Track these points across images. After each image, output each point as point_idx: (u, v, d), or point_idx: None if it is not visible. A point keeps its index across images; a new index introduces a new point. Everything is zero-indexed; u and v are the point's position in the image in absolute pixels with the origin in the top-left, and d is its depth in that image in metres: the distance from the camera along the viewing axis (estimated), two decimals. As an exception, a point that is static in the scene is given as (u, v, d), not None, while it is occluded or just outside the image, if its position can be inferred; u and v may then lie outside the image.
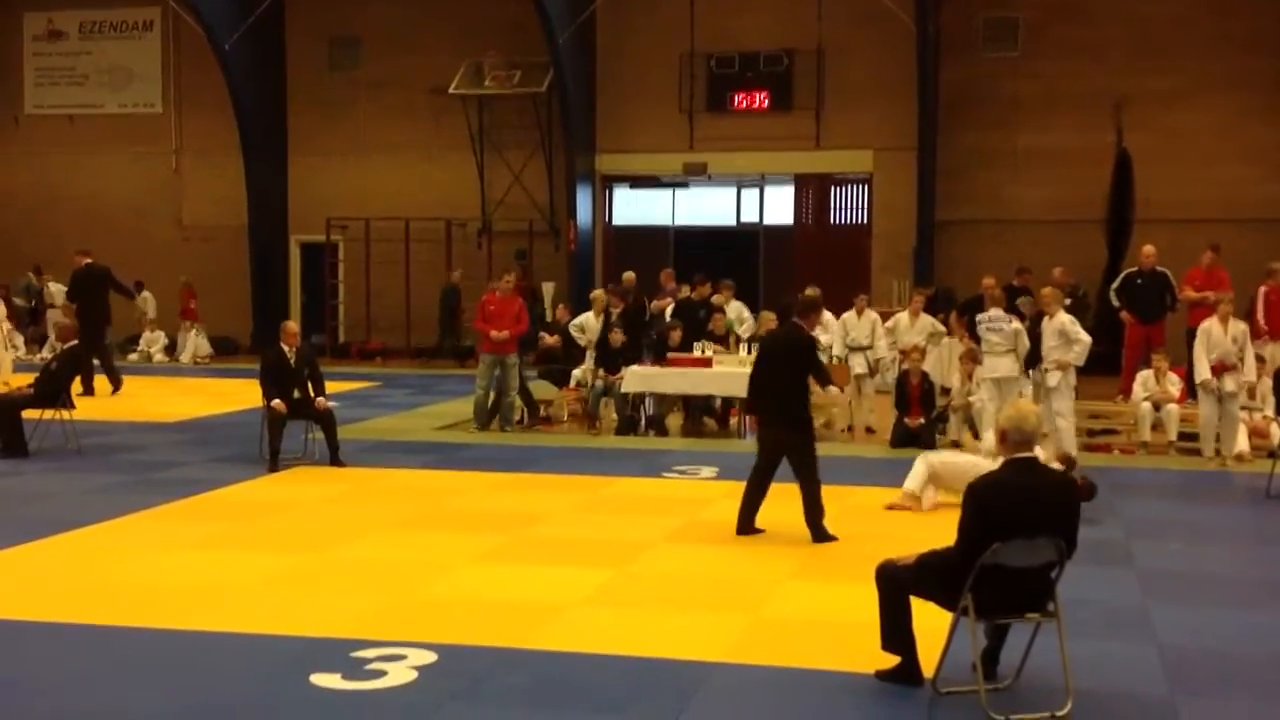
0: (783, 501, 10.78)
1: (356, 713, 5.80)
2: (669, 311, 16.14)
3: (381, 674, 6.22)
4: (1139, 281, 15.75)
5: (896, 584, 6.04)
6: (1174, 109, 21.03)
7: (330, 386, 13.06)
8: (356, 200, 24.42)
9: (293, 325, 12.85)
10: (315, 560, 8.62)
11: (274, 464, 11.93)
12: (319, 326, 24.56)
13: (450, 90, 23.57)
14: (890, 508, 10.24)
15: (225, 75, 23.96)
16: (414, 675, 6.22)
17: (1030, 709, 5.73)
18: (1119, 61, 21.26)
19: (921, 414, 13.49)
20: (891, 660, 6.10)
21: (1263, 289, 14.96)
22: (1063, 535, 5.69)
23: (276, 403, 12.02)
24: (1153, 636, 6.99)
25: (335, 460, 12.15)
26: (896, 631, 6.05)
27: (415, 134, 24.50)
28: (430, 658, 6.45)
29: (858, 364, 14.81)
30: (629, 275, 17.20)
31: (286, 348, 12.40)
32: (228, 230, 25.05)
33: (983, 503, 5.69)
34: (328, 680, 6.12)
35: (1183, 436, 13.29)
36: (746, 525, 9.37)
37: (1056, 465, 9.82)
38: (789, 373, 9.27)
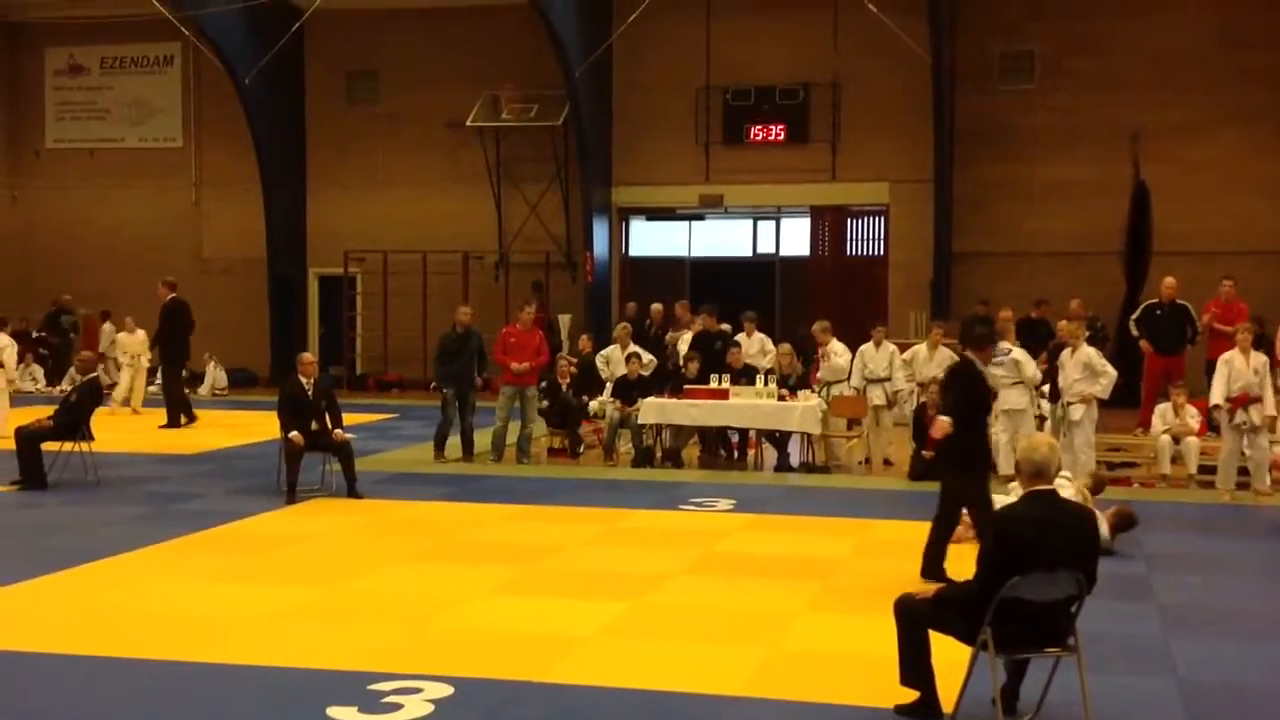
0: (797, 534, 10.76)
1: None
2: (686, 343, 16.14)
3: (398, 707, 6.20)
4: (1159, 313, 15.70)
5: (916, 618, 6.00)
6: (1190, 142, 21.01)
7: (347, 418, 13.09)
8: (374, 233, 24.54)
9: (309, 357, 12.89)
10: (332, 592, 8.62)
11: (292, 496, 11.95)
12: (337, 358, 24.64)
13: (467, 123, 23.72)
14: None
15: (245, 109, 24.15)
16: (430, 708, 6.20)
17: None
18: (1135, 94, 21.27)
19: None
20: (911, 695, 6.06)
21: None
22: (1082, 569, 5.66)
23: (294, 435, 12.05)
24: (1172, 670, 6.94)
25: (353, 492, 12.17)
26: (915, 666, 6.01)
27: (433, 167, 24.64)
28: (447, 690, 6.43)
29: (876, 396, 14.78)
30: (657, 307, 17.26)
31: (304, 379, 12.44)
32: (247, 263, 25.20)
33: (1002, 535, 5.67)
34: (344, 713, 6.11)
35: (1202, 470, 13.21)
36: (935, 570, 8.81)
37: (1087, 492, 9.82)
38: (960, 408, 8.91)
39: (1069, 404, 12.71)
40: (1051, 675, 5.98)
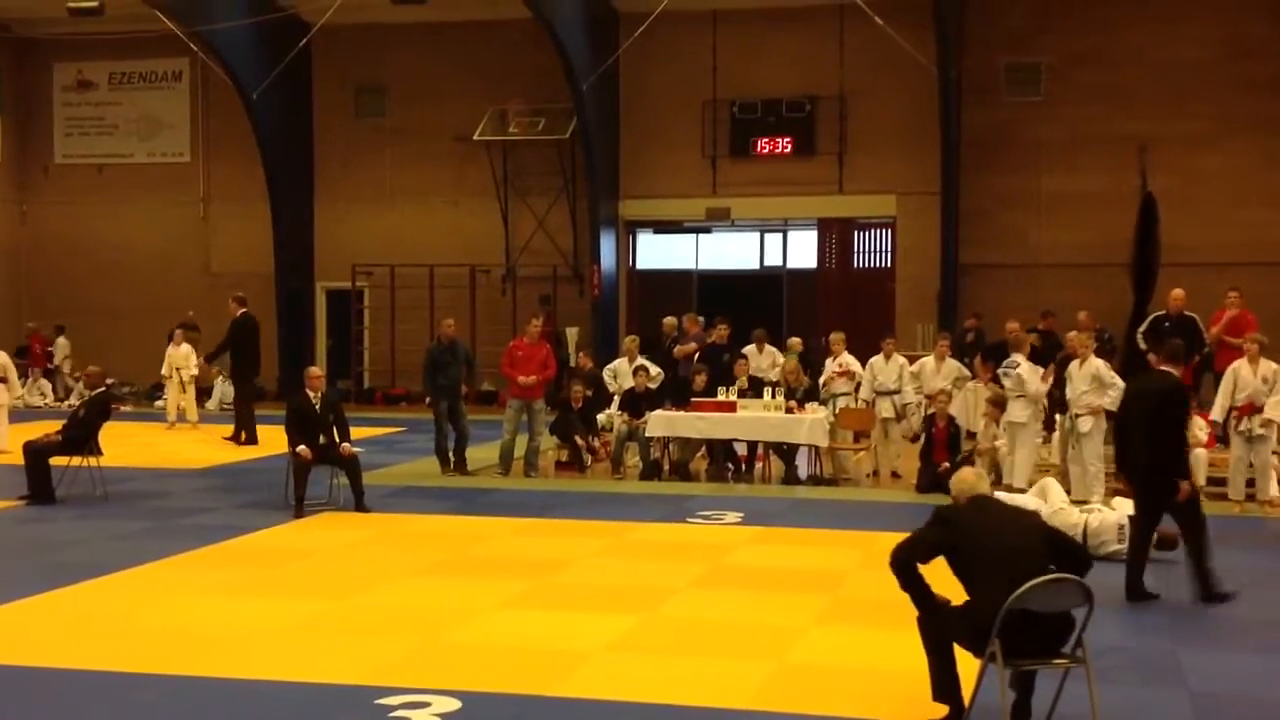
0: (805, 546, 10.74)
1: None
2: (695, 356, 16.15)
3: (406, 721, 6.20)
4: (1167, 325, 15.65)
5: (933, 630, 6.00)
6: (1198, 153, 21.00)
7: (355, 432, 13.08)
8: (382, 247, 24.59)
9: (316, 370, 12.91)
10: (339, 606, 8.62)
11: (300, 510, 11.95)
12: (344, 372, 24.67)
13: (475, 137, 23.77)
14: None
15: (253, 124, 24.22)
16: (438, 723, 6.20)
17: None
18: (1142, 106, 21.27)
19: (947, 457, 13.42)
20: (941, 710, 6.04)
21: None
22: (1051, 554, 5.87)
23: (301, 449, 12.06)
24: (1183, 683, 6.91)
25: (360, 506, 12.17)
26: (941, 678, 6.00)
27: (440, 181, 24.69)
28: (455, 705, 6.42)
29: (884, 408, 14.76)
30: (669, 320, 17.29)
31: (311, 393, 12.46)
32: (255, 277, 25.17)
33: (945, 515, 6.15)
34: (352, 728, 6.11)
35: (1211, 481, 13.16)
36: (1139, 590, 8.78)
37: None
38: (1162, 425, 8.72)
39: (1077, 416, 12.68)
40: (1060, 687, 5.96)
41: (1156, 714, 6.42)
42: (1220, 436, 13.29)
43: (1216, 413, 12.57)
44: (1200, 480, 13.15)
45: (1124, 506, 10.20)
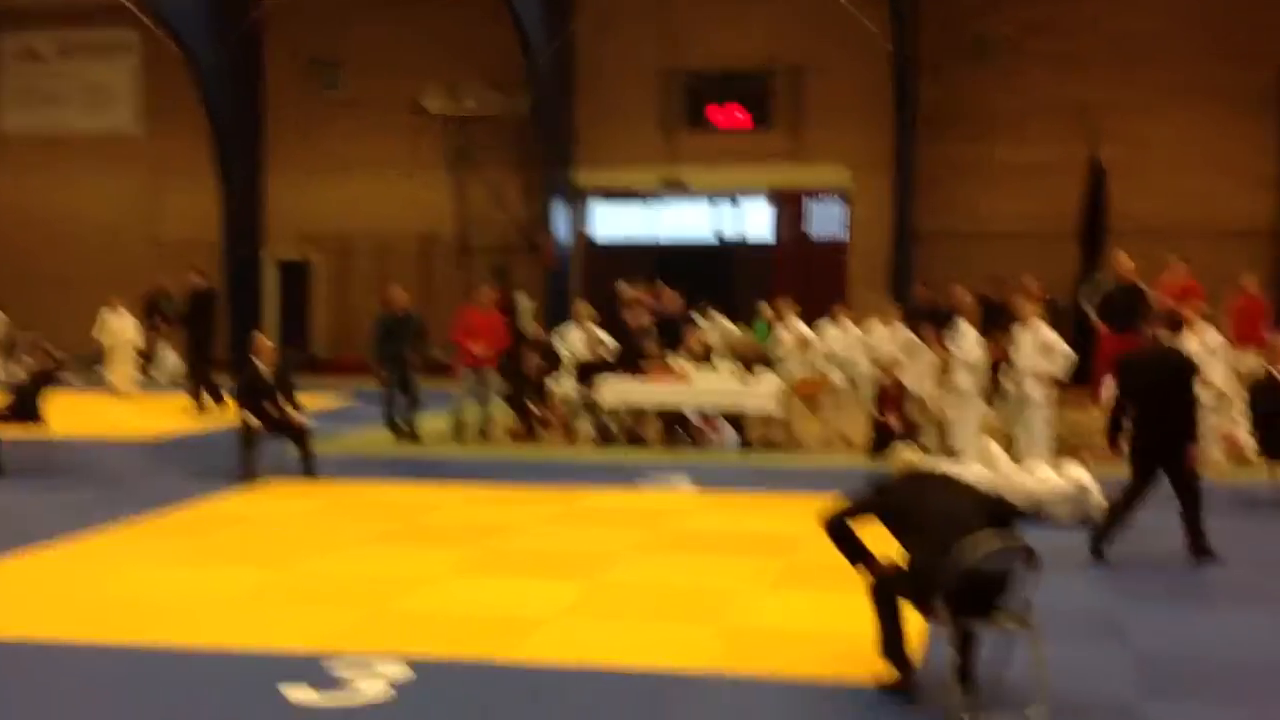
0: (756, 511, 10.81)
1: (329, 725, 5.78)
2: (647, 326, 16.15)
3: (356, 688, 6.19)
4: (1113, 292, 15.82)
5: (884, 589, 6.07)
6: (1147, 122, 21.19)
7: (306, 402, 13.02)
8: (334, 218, 24.42)
9: (266, 340, 12.83)
10: (289, 575, 8.59)
11: (250, 479, 11.89)
12: (296, 343, 24.51)
13: (429, 109, 23.60)
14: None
15: (203, 95, 23.93)
16: (389, 689, 6.19)
17: (1004, 714, 5.75)
18: (1094, 75, 21.42)
19: (899, 417, 13.53)
20: (890, 670, 6.11)
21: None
22: (988, 522, 5.91)
23: (252, 419, 12.00)
24: (1126, 641, 7.03)
25: (310, 474, 12.12)
26: (890, 639, 6.08)
27: (394, 152, 24.51)
28: (406, 672, 6.43)
29: (836, 375, 14.86)
30: (625, 288, 17.29)
31: (261, 363, 12.39)
32: (204, 248, 24.94)
33: (881, 484, 6.35)
34: (301, 695, 6.09)
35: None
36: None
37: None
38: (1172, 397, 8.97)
39: (1025, 382, 12.80)
40: (1003, 647, 6.04)
41: (1100, 672, 6.53)
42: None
43: None
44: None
45: (1073, 472, 10.33)
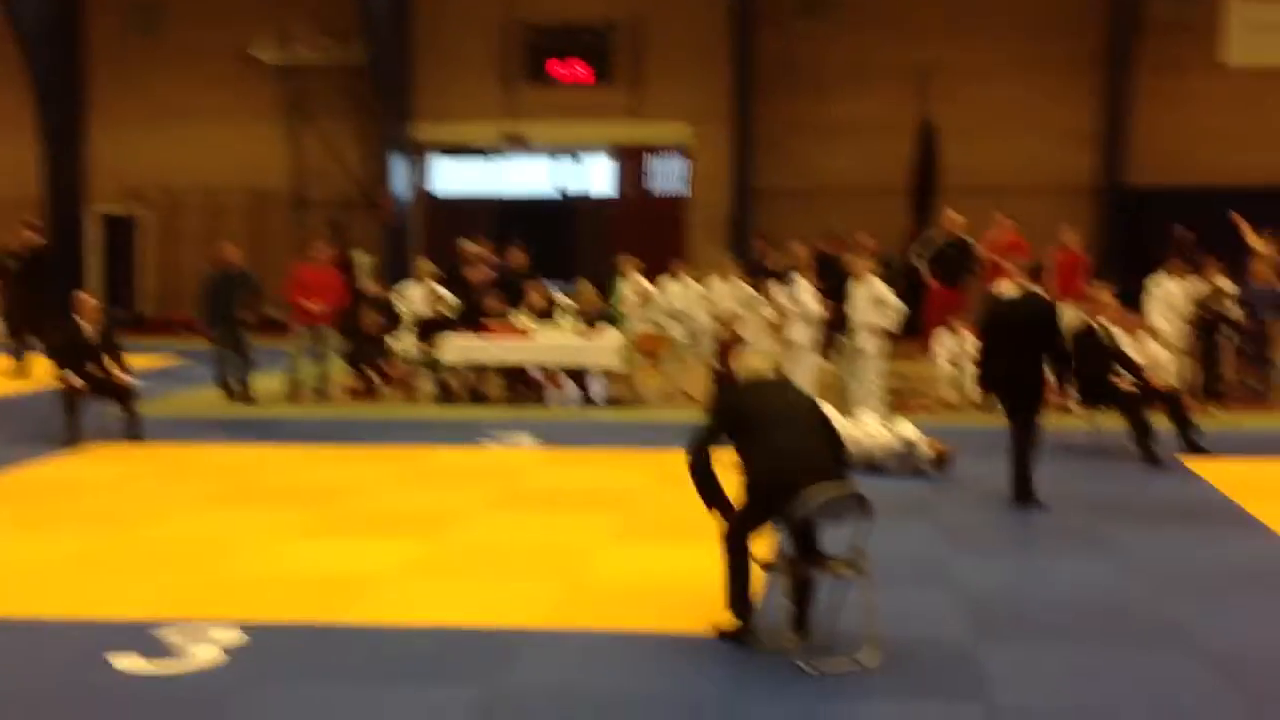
0: (599, 467, 10.86)
1: (161, 696, 5.62)
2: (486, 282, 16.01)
3: (188, 655, 6.03)
4: (943, 248, 16.28)
5: (734, 536, 6.15)
6: (976, 83, 21.75)
7: (133, 362, 12.56)
8: (160, 171, 23.54)
9: (89, 298, 12.32)
10: (118, 540, 8.31)
11: (75, 442, 11.46)
12: (121, 301, 23.64)
13: (259, 57, 22.88)
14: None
15: (17, 41, 22.75)
16: (222, 655, 6.05)
17: (838, 659, 5.91)
18: (925, 35, 21.86)
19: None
20: (731, 619, 6.20)
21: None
22: (820, 426, 6.24)
23: (71, 378, 11.56)
24: (954, 585, 7.27)
25: (134, 437, 11.72)
26: (736, 588, 6.15)
27: (223, 102, 23.68)
28: (239, 636, 6.29)
29: (676, 331, 14.97)
30: (468, 245, 17.09)
31: (85, 322, 11.92)
32: (22, 202, 23.81)
33: (727, 400, 6.59)
34: (131, 663, 5.92)
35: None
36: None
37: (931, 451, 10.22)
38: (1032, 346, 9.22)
39: (858, 335, 13.10)
40: (837, 593, 6.20)
41: (928, 613, 6.75)
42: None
43: None
44: (971, 394, 13.87)
45: (901, 429, 10.62)
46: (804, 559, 6.11)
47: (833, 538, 6.20)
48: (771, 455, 6.00)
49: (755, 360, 6.79)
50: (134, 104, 23.95)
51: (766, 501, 6.00)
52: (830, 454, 6.18)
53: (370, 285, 17.31)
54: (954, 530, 8.62)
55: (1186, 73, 21.48)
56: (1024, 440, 9.27)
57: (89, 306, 12.09)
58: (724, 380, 13.00)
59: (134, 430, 11.77)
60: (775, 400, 6.31)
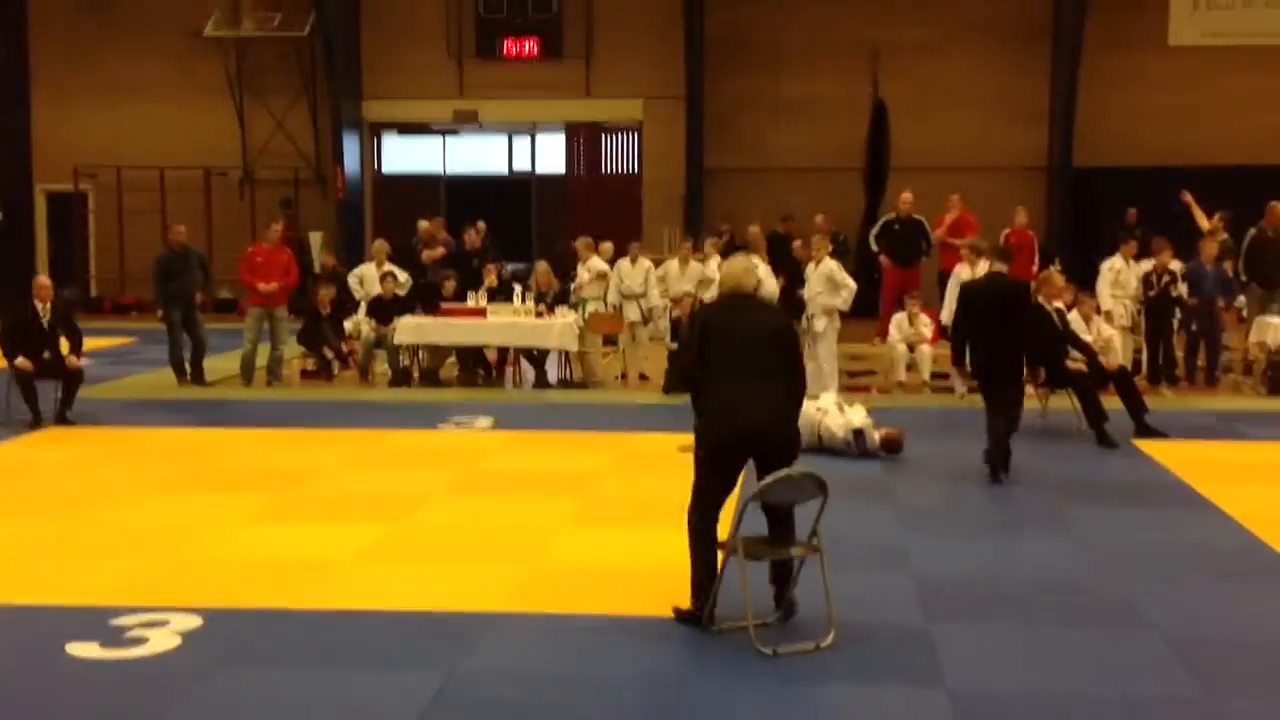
0: (556, 450, 10.85)
1: (117, 682, 5.58)
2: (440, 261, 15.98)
3: (143, 641, 6.00)
4: (896, 228, 16.39)
5: (697, 510, 6.18)
6: (927, 60, 21.82)
7: (83, 343, 12.40)
8: (108, 148, 23.16)
9: (44, 280, 12.15)
10: (70, 525, 8.22)
11: (35, 423, 11.40)
12: (70, 280, 23.27)
13: (206, 33, 22.57)
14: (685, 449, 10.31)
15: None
16: (178, 641, 6.02)
17: (796, 641, 5.96)
18: (876, 12, 21.89)
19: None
20: (692, 600, 6.23)
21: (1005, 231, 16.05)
22: (780, 353, 6.21)
23: (19, 360, 11.43)
24: (909, 568, 7.35)
25: (63, 419, 11.62)
26: (701, 570, 6.18)
27: (170, 78, 23.32)
28: (196, 622, 6.25)
29: (631, 312, 14.96)
30: (423, 224, 17.01)
31: (39, 303, 11.77)
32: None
33: (702, 320, 6.46)
34: (85, 650, 5.87)
35: (935, 376, 13.93)
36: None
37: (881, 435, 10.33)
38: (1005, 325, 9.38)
39: (811, 316, 13.17)
40: (796, 573, 6.25)
41: (885, 596, 6.81)
42: (944, 334, 14.04)
43: (945, 315, 13.25)
44: (925, 375, 13.99)
45: (853, 414, 10.66)
46: (773, 540, 6.15)
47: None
48: (722, 409, 6.06)
49: (739, 267, 6.46)
50: (82, 80, 23.55)
51: (714, 455, 6.09)
52: (782, 403, 6.16)
53: (323, 264, 17.19)
54: (908, 512, 8.69)
55: (1136, 51, 21.66)
56: (1000, 419, 9.46)
57: (43, 287, 11.94)
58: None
59: (63, 412, 11.68)
60: (743, 326, 6.20)
